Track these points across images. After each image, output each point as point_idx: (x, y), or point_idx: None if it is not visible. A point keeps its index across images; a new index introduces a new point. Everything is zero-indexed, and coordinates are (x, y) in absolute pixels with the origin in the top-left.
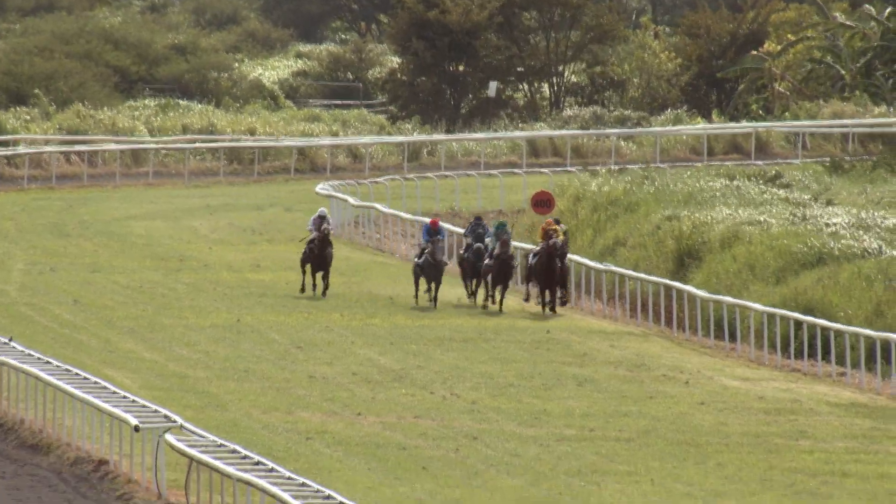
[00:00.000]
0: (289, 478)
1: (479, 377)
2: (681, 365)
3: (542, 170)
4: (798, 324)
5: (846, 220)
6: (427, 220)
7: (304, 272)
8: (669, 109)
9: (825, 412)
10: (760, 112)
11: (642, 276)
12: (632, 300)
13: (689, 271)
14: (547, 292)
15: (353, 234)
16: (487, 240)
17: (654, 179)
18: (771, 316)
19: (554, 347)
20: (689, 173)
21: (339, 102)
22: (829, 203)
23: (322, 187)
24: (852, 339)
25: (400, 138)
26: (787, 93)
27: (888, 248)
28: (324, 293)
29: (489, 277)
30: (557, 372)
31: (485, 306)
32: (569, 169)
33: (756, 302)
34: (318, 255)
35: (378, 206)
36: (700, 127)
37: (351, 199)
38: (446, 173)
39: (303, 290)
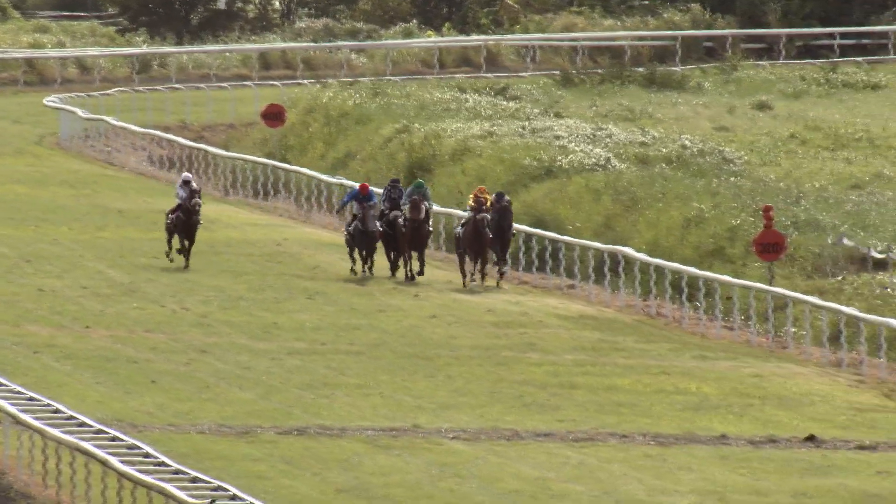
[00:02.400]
0: (17, 391)
1: (210, 290)
2: None
3: (274, 82)
4: (528, 237)
5: (576, 133)
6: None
7: (169, 241)
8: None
9: (554, 325)
10: (490, 25)
11: (374, 189)
12: None
13: None
14: (477, 262)
15: (83, 147)
16: (405, 207)
17: (385, 92)
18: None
19: (285, 261)
20: (420, 86)
21: (68, 14)
22: (558, 116)
23: (51, 100)
24: (581, 252)
25: (130, 50)
26: (517, 6)
27: (617, 161)
28: (186, 261)
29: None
30: (288, 285)
31: (411, 275)
32: (300, 81)
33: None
34: (185, 223)
35: (108, 118)
36: (431, 40)
37: (80, 112)
38: (177, 86)
39: (170, 258)
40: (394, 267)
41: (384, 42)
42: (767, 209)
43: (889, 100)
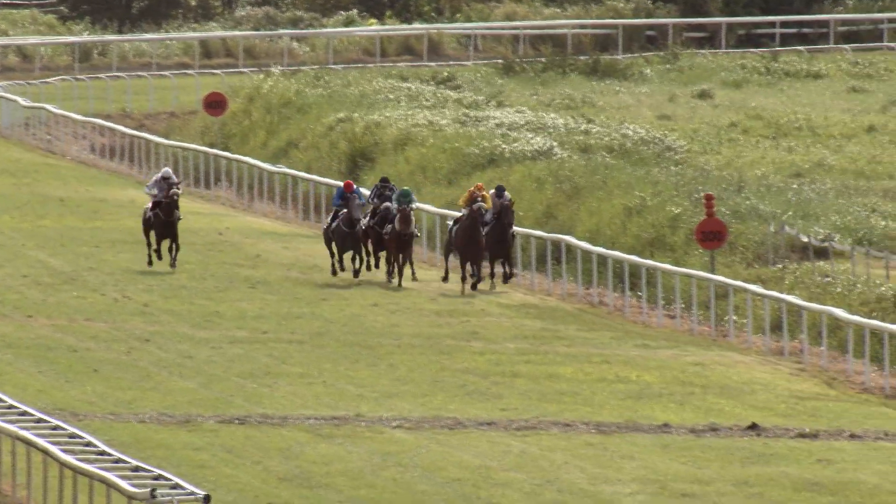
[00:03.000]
0: None
1: (152, 279)
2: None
3: (215, 71)
4: None
5: (518, 122)
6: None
7: (148, 242)
8: (342, 11)
9: (496, 313)
10: (432, 14)
11: (315, 177)
12: (305, 202)
13: (362, 173)
14: (469, 265)
15: (24, 136)
16: (392, 204)
17: (326, 81)
18: (443, 217)
19: (227, 249)
20: (361, 75)
21: (8, 2)
22: (500, 105)
23: None
24: (523, 241)
25: (70, 39)
26: None
27: (559, 150)
28: (173, 263)
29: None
30: (230, 274)
31: (389, 281)
32: (241, 70)
33: (429, 204)
34: (164, 222)
35: (48, 107)
36: (373, 29)
37: (21, 100)
38: (118, 74)
39: (150, 262)
40: (390, 268)
41: (325, 31)
42: (709, 198)
43: (830, 89)
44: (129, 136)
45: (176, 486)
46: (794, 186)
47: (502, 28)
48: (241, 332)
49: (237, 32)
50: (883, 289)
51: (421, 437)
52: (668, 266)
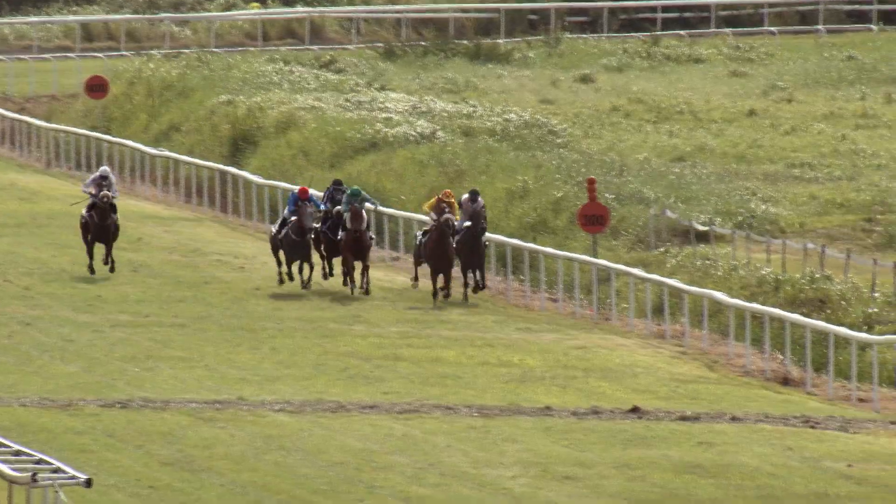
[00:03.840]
0: None
1: (33, 263)
2: (236, 250)
3: (97, 54)
4: None
5: (399, 106)
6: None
7: (87, 244)
8: None
9: (379, 297)
10: None
11: (197, 161)
12: (186, 185)
13: (244, 156)
14: (440, 277)
15: None
16: (345, 214)
17: (208, 64)
18: (407, 221)
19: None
20: (244, 59)
21: None
22: (382, 89)
23: None
24: (406, 225)
25: None
26: None
27: (442, 134)
28: (111, 268)
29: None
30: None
31: (351, 288)
32: (123, 53)
33: (311, 188)
34: (98, 225)
35: None
36: (255, 12)
37: None
38: None
39: (91, 270)
40: (346, 274)
41: (207, 14)
42: (591, 182)
43: (710, 73)
44: (9, 120)
45: (58, 471)
46: (676, 170)
47: (384, 12)
48: (123, 315)
49: (119, 16)
50: (763, 272)
51: (303, 421)
52: (550, 250)
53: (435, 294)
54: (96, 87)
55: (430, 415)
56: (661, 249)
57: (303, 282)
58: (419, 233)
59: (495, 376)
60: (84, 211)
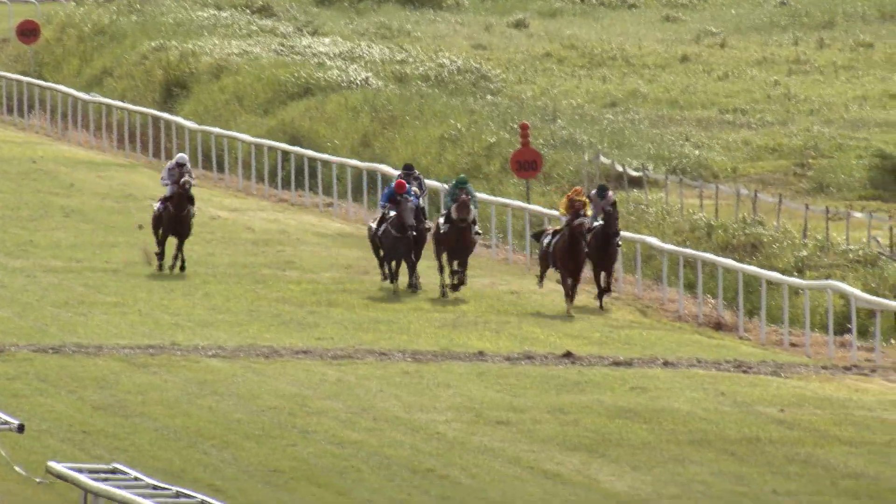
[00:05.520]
0: None
1: None
2: None
3: None
4: (286, 154)
5: (333, 51)
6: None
7: (157, 238)
8: None
9: (312, 242)
10: None
11: (130, 106)
12: (119, 131)
13: (178, 102)
14: (570, 281)
15: None
16: (417, 200)
17: (141, 10)
18: (259, 146)
19: (41, 178)
20: (176, 3)
21: None
22: (315, 34)
23: None
24: (339, 170)
25: None
26: None
27: (375, 79)
28: (182, 266)
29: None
30: (44, 203)
31: (452, 287)
32: None
33: (244, 133)
34: (174, 216)
35: None
36: None
37: None
38: None
39: (160, 267)
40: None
41: None
42: (524, 127)
43: (643, 18)
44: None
45: None
46: (609, 116)
47: None
48: (55, 261)
49: None
50: (696, 217)
51: (237, 366)
52: (483, 195)
53: (568, 295)
54: (28, 31)
55: (364, 360)
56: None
57: (411, 284)
58: (548, 234)
59: (428, 321)
60: (157, 203)
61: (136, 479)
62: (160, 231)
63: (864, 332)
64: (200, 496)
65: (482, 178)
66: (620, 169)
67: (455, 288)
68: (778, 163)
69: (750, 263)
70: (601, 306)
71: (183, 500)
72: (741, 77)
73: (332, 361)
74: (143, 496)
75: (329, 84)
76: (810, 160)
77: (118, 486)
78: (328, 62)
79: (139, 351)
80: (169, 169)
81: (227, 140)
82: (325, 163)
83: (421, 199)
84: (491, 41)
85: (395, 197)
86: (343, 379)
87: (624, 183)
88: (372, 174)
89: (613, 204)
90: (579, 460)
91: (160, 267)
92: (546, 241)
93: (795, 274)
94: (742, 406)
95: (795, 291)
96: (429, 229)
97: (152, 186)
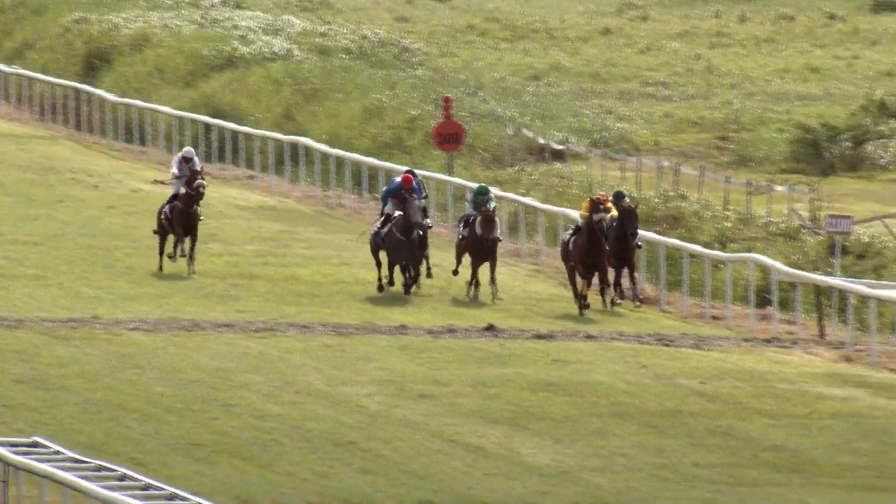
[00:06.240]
0: None
1: None
2: (90, 168)
3: None
4: (207, 127)
5: (256, 24)
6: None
7: (161, 237)
8: None
9: (234, 215)
10: None
11: (51, 79)
12: (41, 103)
13: (99, 74)
14: (593, 278)
15: None
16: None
17: None
18: (181, 119)
19: None
20: None
21: None
22: (238, 6)
23: None
24: (261, 143)
25: None
26: None
27: (297, 52)
28: (191, 259)
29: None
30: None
31: (474, 295)
32: None
33: (166, 105)
34: (183, 212)
35: None
36: None
37: None
38: None
39: (161, 266)
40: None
41: None
42: (447, 100)
43: None
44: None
45: None
46: (531, 89)
47: None
48: None
49: None
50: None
51: (158, 340)
52: (406, 168)
53: (579, 299)
54: None
55: (286, 333)
56: (517, 168)
57: (406, 286)
58: (568, 232)
59: (351, 295)
60: (165, 206)
61: (57, 452)
62: (175, 229)
63: (784, 305)
64: (122, 469)
65: (405, 152)
66: (543, 142)
67: (477, 286)
68: (700, 136)
69: (671, 236)
70: (619, 301)
71: (104, 473)
72: (663, 50)
73: (254, 335)
74: (64, 469)
75: (251, 57)
76: (732, 133)
77: (39, 460)
78: (250, 35)
79: (60, 324)
80: (178, 163)
81: (149, 113)
82: (247, 136)
83: (424, 202)
84: (413, 13)
85: (400, 193)
86: (265, 352)
87: (546, 156)
88: (294, 147)
89: (635, 207)
90: (501, 433)
91: (162, 266)
92: (567, 236)
93: (717, 247)
94: (663, 379)
95: (717, 264)
96: (430, 227)
97: (74, 159)
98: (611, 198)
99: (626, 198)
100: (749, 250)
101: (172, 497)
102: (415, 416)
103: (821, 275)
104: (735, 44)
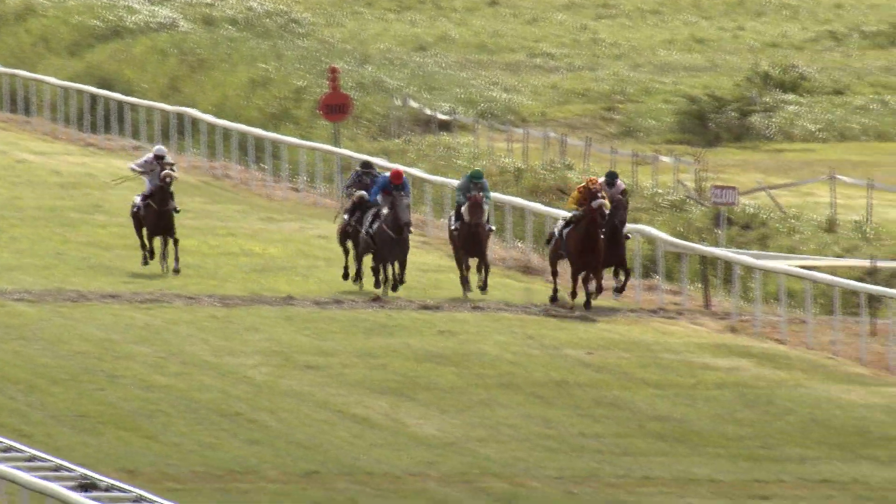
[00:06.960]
0: None
1: None
2: None
3: None
4: (93, 98)
5: None
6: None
7: (140, 237)
8: None
9: (120, 186)
10: None
11: None
12: None
13: None
14: (582, 276)
15: None
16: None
17: None
18: (66, 90)
19: None
20: None
21: None
22: None
23: None
24: (147, 114)
25: None
26: None
27: (184, 22)
28: (176, 269)
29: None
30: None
31: (465, 291)
32: None
33: (51, 76)
34: (157, 212)
35: None
36: None
37: None
38: None
39: (145, 260)
40: (357, 277)
41: None
42: (333, 70)
43: None
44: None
45: None
46: (418, 60)
47: None
48: None
49: None
50: (505, 161)
51: (44, 310)
52: (292, 139)
53: (574, 294)
54: None
55: (172, 304)
56: (403, 139)
57: (394, 282)
58: (558, 224)
59: (237, 266)
60: (138, 199)
61: None
62: (144, 230)
63: (670, 276)
64: (7, 441)
65: (291, 122)
66: (430, 113)
67: (483, 288)
68: (586, 107)
69: (558, 207)
70: (616, 289)
71: None
72: (549, 21)
73: (140, 305)
74: None
75: (137, 26)
76: (618, 104)
77: None
78: (136, 5)
79: None
80: (146, 161)
81: (34, 83)
82: (134, 106)
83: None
84: None
85: (388, 188)
86: (151, 323)
87: (433, 127)
88: (180, 117)
89: (624, 192)
90: (387, 404)
91: (145, 260)
92: (558, 227)
93: None
94: (550, 349)
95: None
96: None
97: None
98: (601, 179)
99: (620, 180)
100: (635, 221)
101: (58, 468)
102: (301, 387)
103: (706, 245)
104: (621, 15)
